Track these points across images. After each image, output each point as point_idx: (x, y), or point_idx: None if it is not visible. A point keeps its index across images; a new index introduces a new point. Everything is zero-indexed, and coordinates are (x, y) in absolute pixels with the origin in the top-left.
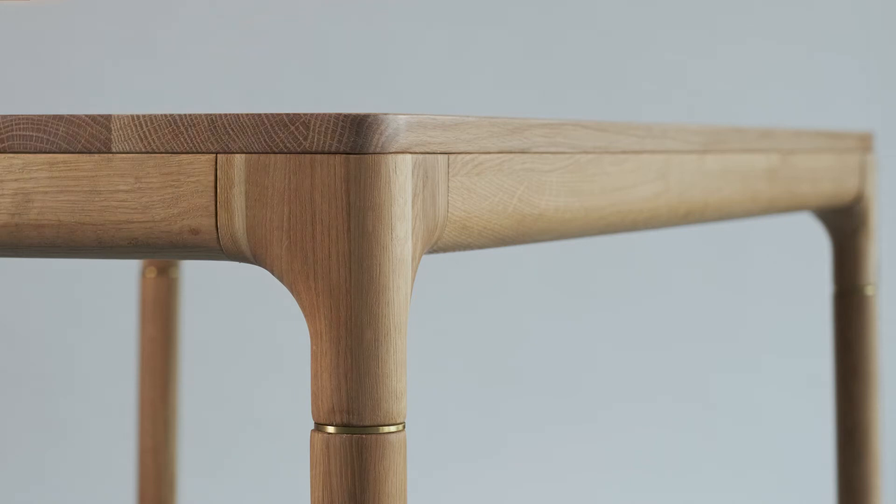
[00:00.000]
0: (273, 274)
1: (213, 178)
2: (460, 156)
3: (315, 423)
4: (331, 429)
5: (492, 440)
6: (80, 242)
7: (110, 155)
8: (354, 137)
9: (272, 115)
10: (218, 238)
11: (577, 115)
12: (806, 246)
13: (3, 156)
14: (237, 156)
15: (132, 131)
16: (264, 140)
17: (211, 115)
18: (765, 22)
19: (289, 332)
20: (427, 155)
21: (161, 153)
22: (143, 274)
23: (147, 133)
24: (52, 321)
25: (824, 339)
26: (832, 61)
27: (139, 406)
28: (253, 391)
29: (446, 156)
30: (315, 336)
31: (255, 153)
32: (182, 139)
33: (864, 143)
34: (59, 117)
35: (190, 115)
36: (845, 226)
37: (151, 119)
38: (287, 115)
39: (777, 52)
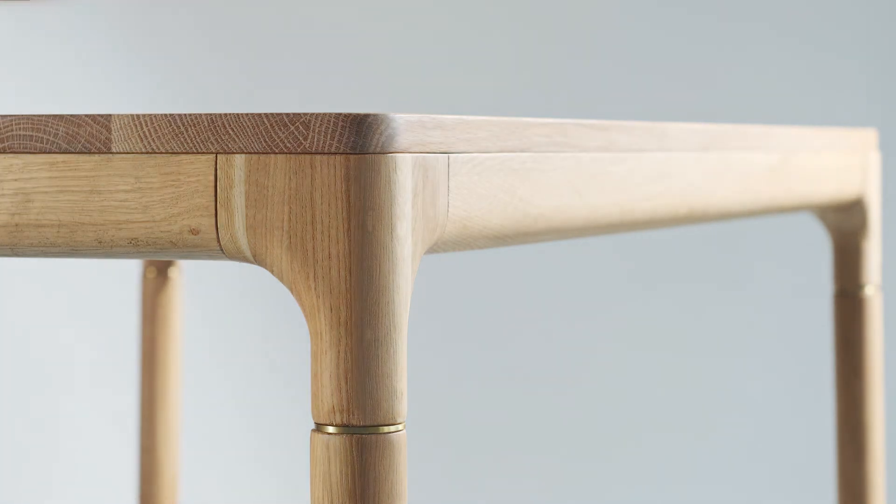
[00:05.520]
0: (273, 274)
1: (213, 178)
2: (460, 156)
3: (315, 423)
4: (331, 429)
5: (492, 440)
6: (80, 242)
7: (110, 155)
8: (354, 137)
9: (272, 115)
10: (218, 238)
11: (577, 115)
12: (806, 246)
13: (3, 156)
14: (237, 156)
15: (132, 131)
16: (264, 140)
17: (211, 115)
18: (765, 20)
19: (289, 332)
20: (427, 155)
21: (161, 153)
22: (143, 274)
23: (147, 133)
24: (52, 321)
25: (824, 339)
26: (834, 59)
27: (139, 406)
28: (253, 391)
29: (446, 156)
30: (315, 336)
31: (255, 153)
32: (182, 139)
33: (867, 141)
34: (59, 117)
35: (190, 114)
36: (846, 225)
37: (151, 119)
38: (287, 115)
39: (778, 50)
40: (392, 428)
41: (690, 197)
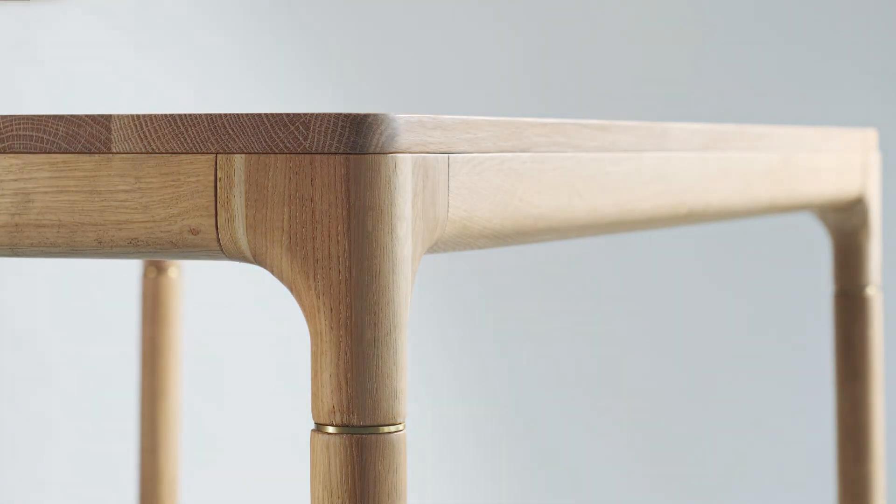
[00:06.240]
0: (273, 274)
1: (213, 178)
2: (460, 156)
3: (315, 423)
4: (331, 429)
5: (492, 440)
6: (80, 242)
7: (110, 155)
8: (354, 137)
9: (272, 115)
10: (218, 238)
11: (577, 115)
12: (806, 246)
13: (3, 156)
14: (237, 156)
15: (132, 131)
16: (264, 140)
17: (211, 115)
18: (765, 20)
19: (289, 332)
20: (427, 155)
21: (161, 153)
22: (144, 274)
23: (147, 133)
24: (52, 321)
25: (824, 339)
26: (834, 59)
27: (139, 406)
28: (253, 391)
29: (446, 156)
30: (315, 336)
31: (255, 153)
32: (182, 139)
33: (867, 141)
34: (59, 117)
35: (190, 114)
36: (846, 225)
37: (151, 119)
38: (287, 115)
39: (778, 50)
40: (392, 428)
41: (690, 197)
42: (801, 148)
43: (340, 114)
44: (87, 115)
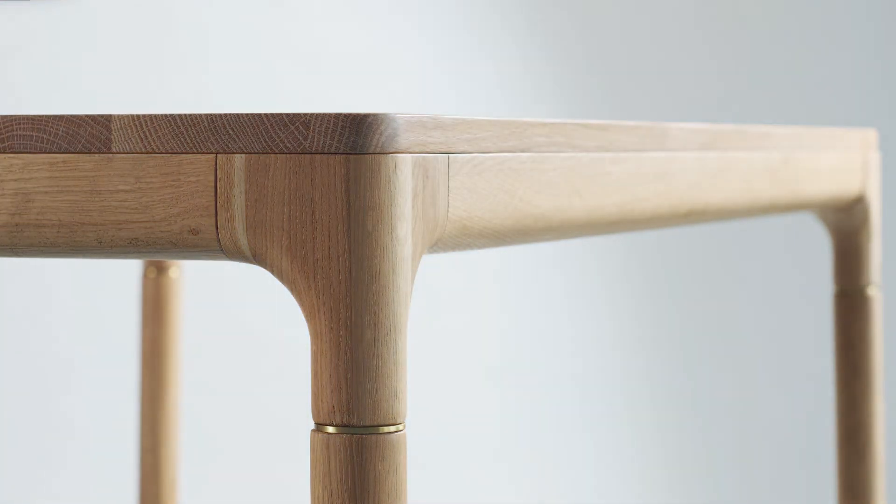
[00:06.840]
0: (273, 274)
1: (213, 178)
2: (460, 156)
3: (315, 423)
4: (331, 429)
5: (492, 440)
6: (80, 242)
7: (110, 155)
8: (354, 137)
9: (272, 115)
10: (218, 238)
11: (578, 115)
12: (806, 246)
13: (3, 156)
14: (237, 156)
15: (132, 131)
16: (264, 140)
17: (211, 115)
18: (765, 20)
19: (289, 332)
20: (427, 155)
21: (161, 153)
22: (144, 274)
23: (147, 133)
24: (52, 321)
25: (824, 339)
26: (834, 59)
27: (139, 406)
28: (253, 391)
29: (446, 156)
30: (315, 336)
31: (255, 153)
32: (182, 139)
33: (867, 141)
34: (59, 117)
35: (190, 115)
36: (847, 225)
37: (151, 119)
38: (287, 115)
39: (777, 50)
40: (392, 428)
41: (690, 197)
42: (801, 148)
43: (340, 114)
44: (87, 115)
